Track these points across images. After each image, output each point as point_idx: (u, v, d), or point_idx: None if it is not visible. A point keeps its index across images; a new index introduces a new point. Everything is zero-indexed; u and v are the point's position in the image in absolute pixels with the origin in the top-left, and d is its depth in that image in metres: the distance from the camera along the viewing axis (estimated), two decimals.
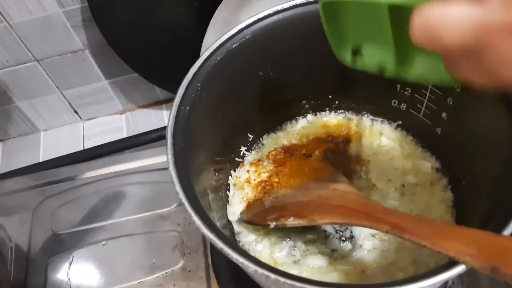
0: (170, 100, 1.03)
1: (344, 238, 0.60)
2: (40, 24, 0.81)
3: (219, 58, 0.56)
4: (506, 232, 0.41)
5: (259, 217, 0.60)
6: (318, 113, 0.72)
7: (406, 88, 0.63)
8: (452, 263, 0.40)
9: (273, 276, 0.39)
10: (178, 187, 0.45)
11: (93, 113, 1.03)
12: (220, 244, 0.42)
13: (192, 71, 0.54)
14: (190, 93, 0.53)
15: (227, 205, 0.64)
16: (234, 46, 0.56)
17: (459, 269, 0.39)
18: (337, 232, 0.61)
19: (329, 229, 0.61)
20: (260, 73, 0.62)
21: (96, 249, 0.73)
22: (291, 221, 0.55)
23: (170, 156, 0.48)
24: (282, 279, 0.39)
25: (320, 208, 0.54)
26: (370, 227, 0.48)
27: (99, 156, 0.92)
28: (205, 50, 0.55)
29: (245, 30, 0.57)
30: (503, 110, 0.50)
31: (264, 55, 0.60)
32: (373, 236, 0.60)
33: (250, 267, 0.40)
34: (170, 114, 0.51)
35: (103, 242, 0.73)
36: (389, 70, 0.40)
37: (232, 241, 0.43)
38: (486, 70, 0.27)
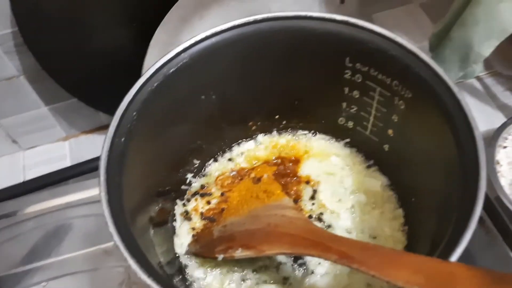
0: None
1: (296, 264, 0.58)
2: None
3: (155, 84, 0.53)
4: (458, 251, 0.41)
5: (207, 248, 0.57)
6: (266, 134, 0.70)
7: (352, 106, 0.63)
8: None
9: None
10: (112, 228, 0.42)
11: (34, 141, 0.97)
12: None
13: (126, 100, 0.51)
14: (125, 124, 0.50)
15: (174, 237, 0.61)
16: (171, 70, 0.54)
17: None
18: (289, 258, 0.59)
19: (281, 256, 0.59)
20: (202, 97, 0.60)
21: None
22: (240, 253, 0.52)
23: (103, 194, 0.45)
24: None
25: (268, 237, 0.52)
26: (319, 257, 0.47)
27: (40, 187, 0.86)
28: (141, 77, 0.52)
29: (182, 54, 0.54)
30: (445, 127, 0.49)
31: (204, 79, 0.57)
32: (325, 261, 0.58)
33: None
34: (102, 147, 0.47)
35: (43, 283, 0.68)
36: None
37: (171, 285, 0.40)
38: None
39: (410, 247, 0.58)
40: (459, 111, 0.48)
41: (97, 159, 0.89)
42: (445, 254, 0.41)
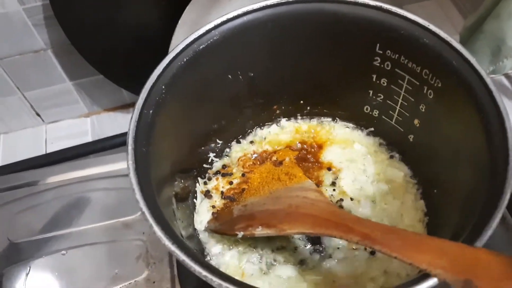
0: None
1: (313, 248, 0.58)
2: None
3: (185, 59, 0.53)
4: (479, 244, 0.40)
5: (227, 226, 0.57)
6: (289, 119, 0.70)
7: (379, 95, 0.62)
8: (424, 276, 0.39)
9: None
10: (138, 195, 0.43)
11: (57, 116, 0.98)
12: (181, 256, 0.39)
13: (156, 73, 0.51)
14: (153, 96, 0.50)
15: (194, 213, 0.62)
16: (201, 47, 0.54)
17: (431, 282, 0.38)
18: (306, 241, 0.59)
19: (299, 238, 0.59)
20: (229, 76, 0.60)
21: (55, 259, 0.69)
22: (260, 231, 0.52)
23: (130, 162, 0.45)
24: None
25: (289, 217, 0.52)
26: (340, 238, 0.47)
27: (61, 160, 0.87)
28: (170, 51, 0.53)
29: (213, 31, 0.54)
30: (476, 118, 0.49)
31: (233, 58, 0.57)
32: (343, 246, 0.58)
33: (214, 281, 0.38)
34: (131, 118, 0.48)
35: (63, 252, 0.69)
36: None
37: (194, 253, 0.41)
38: None
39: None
40: (491, 102, 0.48)
41: (119, 136, 0.92)
42: (470, 241, 0.40)
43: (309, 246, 0.59)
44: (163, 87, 0.51)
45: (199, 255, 0.50)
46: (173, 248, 0.40)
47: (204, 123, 0.61)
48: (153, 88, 0.50)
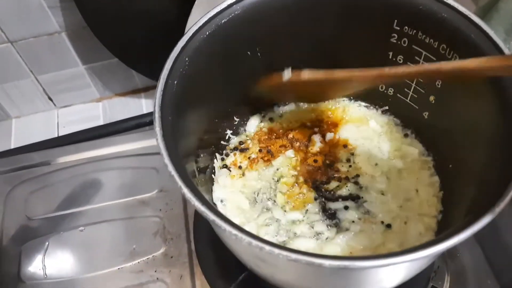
0: (149, 89, 1.01)
1: (330, 222, 0.59)
2: (14, 3, 0.77)
3: (207, 33, 0.54)
4: (491, 216, 0.41)
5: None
6: None
7: None
8: (440, 239, 0.39)
9: (267, 247, 0.38)
10: (167, 160, 0.43)
11: (69, 100, 0.99)
12: (211, 216, 0.40)
13: (180, 45, 0.52)
14: (178, 67, 0.51)
15: (212, 188, 0.62)
16: (223, 21, 0.55)
17: (451, 242, 0.39)
18: (323, 215, 0.60)
19: (315, 211, 0.60)
20: (248, 52, 0.61)
21: (73, 235, 0.70)
22: (307, 75, 0.55)
23: (158, 129, 0.46)
24: (276, 251, 0.38)
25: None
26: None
27: (73, 143, 0.88)
28: (193, 25, 0.54)
29: (234, 6, 0.55)
30: (491, 93, 0.50)
31: (253, 33, 0.58)
32: (359, 219, 0.59)
33: (244, 239, 0.39)
34: (157, 87, 0.49)
35: (81, 228, 0.70)
36: None
37: (218, 212, 0.41)
38: None
39: (445, 213, 0.59)
40: (509, 77, 0.48)
41: (131, 119, 0.93)
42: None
43: (326, 219, 0.60)
44: (187, 59, 0.52)
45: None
46: (203, 208, 0.41)
47: (223, 98, 0.62)
48: (177, 60, 0.51)
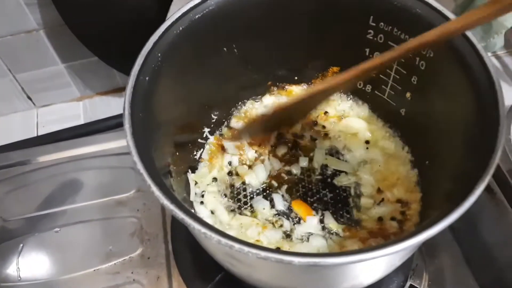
0: None
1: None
2: None
3: (181, 28, 0.53)
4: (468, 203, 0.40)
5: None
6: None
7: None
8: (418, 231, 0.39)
9: (237, 245, 0.37)
10: (136, 158, 0.43)
11: (48, 100, 0.97)
12: (180, 215, 0.39)
13: (152, 40, 0.51)
14: (150, 63, 0.50)
15: (190, 186, 0.62)
16: (196, 16, 0.54)
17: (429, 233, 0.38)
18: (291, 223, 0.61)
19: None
20: (225, 49, 0.60)
21: (48, 237, 0.68)
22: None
23: (127, 126, 0.45)
24: (246, 249, 0.37)
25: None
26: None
27: (53, 142, 0.87)
28: (166, 19, 0.53)
29: (208, 1, 0.54)
30: (467, 86, 0.50)
31: (228, 29, 0.58)
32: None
33: (213, 237, 0.38)
34: (128, 83, 0.48)
35: (56, 229, 0.69)
36: None
37: (192, 213, 0.41)
38: None
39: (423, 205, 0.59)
40: (483, 71, 0.48)
41: (112, 118, 0.91)
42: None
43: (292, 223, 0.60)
44: (159, 54, 0.51)
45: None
46: (171, 207, 0.40)
47: (199, 95, 0.61)
48: (149, 55, 0.50)
